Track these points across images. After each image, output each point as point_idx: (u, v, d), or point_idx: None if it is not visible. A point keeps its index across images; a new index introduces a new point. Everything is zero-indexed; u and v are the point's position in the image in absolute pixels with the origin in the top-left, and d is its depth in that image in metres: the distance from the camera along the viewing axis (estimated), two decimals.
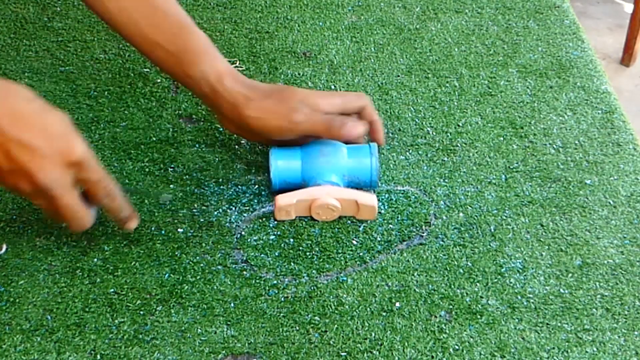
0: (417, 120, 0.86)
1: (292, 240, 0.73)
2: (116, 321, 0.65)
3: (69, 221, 0.65)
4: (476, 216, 0.75)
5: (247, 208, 0.75)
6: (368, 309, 0.67)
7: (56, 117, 0.62)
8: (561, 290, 0.69)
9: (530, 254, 0.72)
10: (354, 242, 0.73)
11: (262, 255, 0.71)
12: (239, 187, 0.77)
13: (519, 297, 0.68)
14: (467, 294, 0.68)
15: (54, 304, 0.66)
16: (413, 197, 0.77)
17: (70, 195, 0.63)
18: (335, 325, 0.65)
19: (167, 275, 0.69)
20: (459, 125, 0.86)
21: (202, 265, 0.70)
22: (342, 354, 0.63)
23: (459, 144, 0.83)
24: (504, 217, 0.75)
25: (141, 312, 0.66)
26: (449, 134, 0.85)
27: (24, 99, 0.62)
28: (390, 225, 0.74)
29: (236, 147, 0.82)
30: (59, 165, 0.61)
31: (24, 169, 0.60)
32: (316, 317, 0.66)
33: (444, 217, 0.75)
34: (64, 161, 0.61)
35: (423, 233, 0.74)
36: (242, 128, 0.75)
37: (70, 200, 0.63)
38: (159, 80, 0.90)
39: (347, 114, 0.76)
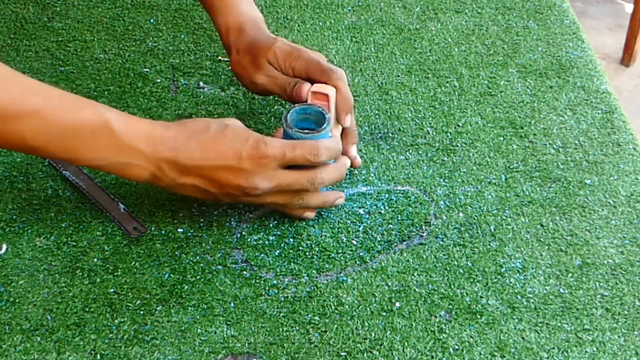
0: (417, 120, 0.86)
1: (292, 240, 0.73)
2: (116, 321, 0.65)
3: (302, 214, 0.72)
4: (476, 216, 0.75)
5: (247, 208, 0.75)
6: (368, 309, 0.67)
7: (233, 130, 0.67)
8: (561, 290, 0.69)
9: (530, 253, 0.72)
10: (354, 242, 0.73)
11: (262, 255, 0.71)
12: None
13: (519, 297, 0.68)
14: (467, 293, 0.68)
15: (54, 303, 0.66)
16: (413, 197, 0.77)
17: (286, 176, 0.67)
18: (335, 325, 0.65)
19: (167, 275, 0.69)
20: (459, 125, 0.86)
21: (202, 265, 0.70)
22: (342, 353, 0.63)
23: (459, 144, 0.83)
24: (504, 217, 0.75)
25: (141, 312, 0.66)
26: (449, 134, 0.85)
27: (202, 129, 0.67)
28: (390, 225, 0.74)
29: None
30: (257, 167, 0.66)
31: (234, 186, 0.66)
32: (316, 317, 0.66)
33: (444, 217, 0.75)
34: (259, 162, 0.65)
35: (423, 233, 0.74)
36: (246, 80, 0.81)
37: (289, 178, 0.68)
38: (158, 80, 0.90)
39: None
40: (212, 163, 0.65)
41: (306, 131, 0.70)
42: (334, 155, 0.70)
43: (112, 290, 0.68)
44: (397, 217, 0.75)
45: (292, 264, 0.70)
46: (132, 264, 0.70)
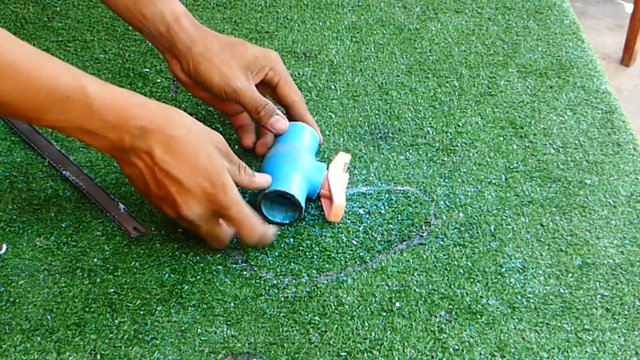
0: (417, 120, 0.86)
1: (292, 240, 0.73)
2: (116, 321, 0.65)
3: (208, 242, 0.70)
4: (476, 216, 0.75)
5: None
6: (368, 309, 0.67)
7: (207, 151, 0.65)
8: (561, 290, 0.69)
9: (530, 253, 0.72)
10: (354, 242, 0.73)
11: (262, 255, 0.71)
12: (239, 187, 0.77)
13: (519, 297, 0.68)
14: (467, 293, 0.68)
15: (54, 304, 0.66)
16: (413, 197, 0.77)
17: (210, 225, 0.67)
18: (335, 325, 0.65)
19: (167, 275, 0.69)
20: (459, 125, 0.86)
21: (202, 265, 0.70)
22: (342, 353, 0.63)
23: (459, 144, 0.83)
24: (504, 217, 0.75)
25: (141, 312, 0.66)
26: (449, 134, 0.85)
27: (182, 128, 0.65)
28: (390, 225, 0.74)
29: (236, 147, 0.82)
30: (201, 200, 0.65)
31: (170, 197, 0.65)
32: (316, 317, 0.66)
33: (444, 217, 0.75)
34: (207, 197, 0.65)
35: (423, 233, 0.74)
36: (190, 74, 0.76)
37: (210, 229, 0.68)
38: (159, 81, 0.90)
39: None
40: (168, 167, 0.64)
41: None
42: (260, 243, 0.70)
43: (112, 290, 0.68)
44: (397, 217, 0.75)
45: (292, 264, 0.70)
46: (132, 264, 0.70)
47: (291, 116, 0.80)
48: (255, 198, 0.73)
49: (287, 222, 0.73)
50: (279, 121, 0.76)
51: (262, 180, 0.71)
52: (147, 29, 0.76)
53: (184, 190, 0.64)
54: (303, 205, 0.72)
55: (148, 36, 0.77)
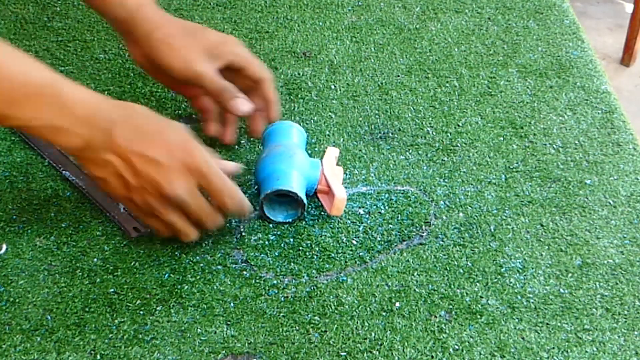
0: (417, 120, 0.86)
1: (291, 240, 0.73)
2: (116, 321, 0.65)
3: (203, 223, 0.68)
4: (476, 216, 0.75)
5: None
6: (368, 309, 0.67)
7: (175, 130, 0.66)
8: (561, 290, 0.69)
9: (530, 253, 0.72)
10: (354, 242, 0.73)
11: (262, 255, 0.71)
12: (239, 187, 0.77)
13: (519, 297, 0.68)
14: (467, 293, 0.68)
15: (54, 303, 0.66)
16: (413, 197, 0.77)
17: (199, 200, 0.67)
18: (335, 325, 0.65)
19: (167, 275, 0.69)
20: (458, 125, 0.86)
21: (202, 265, 0.70)
22: (342, 353, 0.64)
23: (458, 144, 0.83)
24: (504, 217, 0.75)
25: (141, 312, 0.66)
26: (448, 134, 0.85)
27: (144, 117, 0.66)
28: (390, 225, 0.74)
29: (236, 147, 0.82)
30: (183, 174, 0.65)
31: (153, 182, 0.64)
32: (316, 317, 0.66)
33: (444, 217, 0.75)
34: (187, 169, 0.65)
35: (423, 233, 0.74)
36: (150, 59, 0.77)
37: (200, 205, 0.67)
38: None
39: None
40: (142, 150, 0.64)
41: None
42: (238, 213, 0.70)
43: (112, 290, 0.68)
44: (397, 217, 0.75)
45: (292, 263, 0.70)
46: (132, 264, 0.70)
47: (262, 94, 0.79)
48: (257, 199, 0.73)
49: (289, 220, 0.73)
50: (241, 103, 0.76)
51: (231, 166, 0.71)
52: (107, 14, 0.77)
53: (163, 170, 0.64)
54: (305, 202, 0.72)
55: (108, 20, 0.79)
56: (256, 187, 0.76)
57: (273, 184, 0.71)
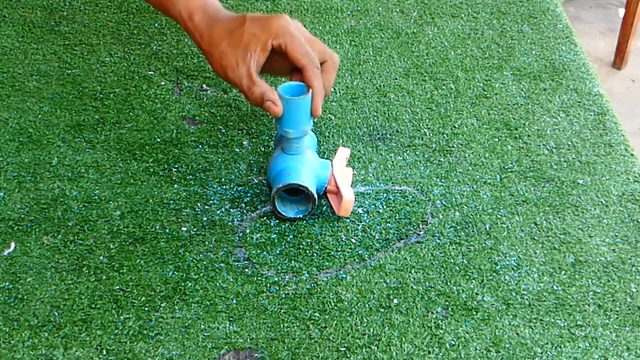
0: (414, 121, 0.88)
1: (292, 238, 0.74)
2: (121, 317, 0.66)
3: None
4: (472, 215, 0.76)
5: (249, 207, 0.76)
6: (366, 306, 0.68)
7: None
8: (554, 287, 0.70)
9: (524, 251, 0.73)
10: (353, 240, 0.74)
11: (263, 253, 0.72)
12: (241, 187, 0.79)
13: (514, 294, 0.69)
14: (462, 290, 0.69)
15: (61, 300, 0.67)
16: (410, 196, 0.78)
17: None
18: (335, 321, 0.67)
19: (171, 272, 0.70)
20: (455, 127, 0.87)
21: (205, 262, 0.71)
22: (342, 349, 0.65)
23: (455, 145, 0.85)
24: (499, 216, 0.76)
25: (146, 309, 0.67)
26: (445, 135, 0.86)
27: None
28: (388, 224, 0.75)
29: (238, 148, 0.84)
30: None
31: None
32: (316, 313, 0.67)
33: (441, 216, 0.76)
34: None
35: (420, 231, 0.75)
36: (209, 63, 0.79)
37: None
38: (163, 83, 0.91)
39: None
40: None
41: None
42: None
43: (117, 287, 0.69)
44: (395, 216, 0.76)
45: (292, 261, 0.72)
46: (137, 261, 0.71)
47: (305, 80, 0.77)
48: (269, 195, 0.75)
49: (300, 216, 0.75)
50: (268, 106, 0.74)
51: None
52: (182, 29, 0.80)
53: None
54: (316, 197, 0.73)
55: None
56: (267, 187, 0.78)
57: (285, 179, 0.73)
